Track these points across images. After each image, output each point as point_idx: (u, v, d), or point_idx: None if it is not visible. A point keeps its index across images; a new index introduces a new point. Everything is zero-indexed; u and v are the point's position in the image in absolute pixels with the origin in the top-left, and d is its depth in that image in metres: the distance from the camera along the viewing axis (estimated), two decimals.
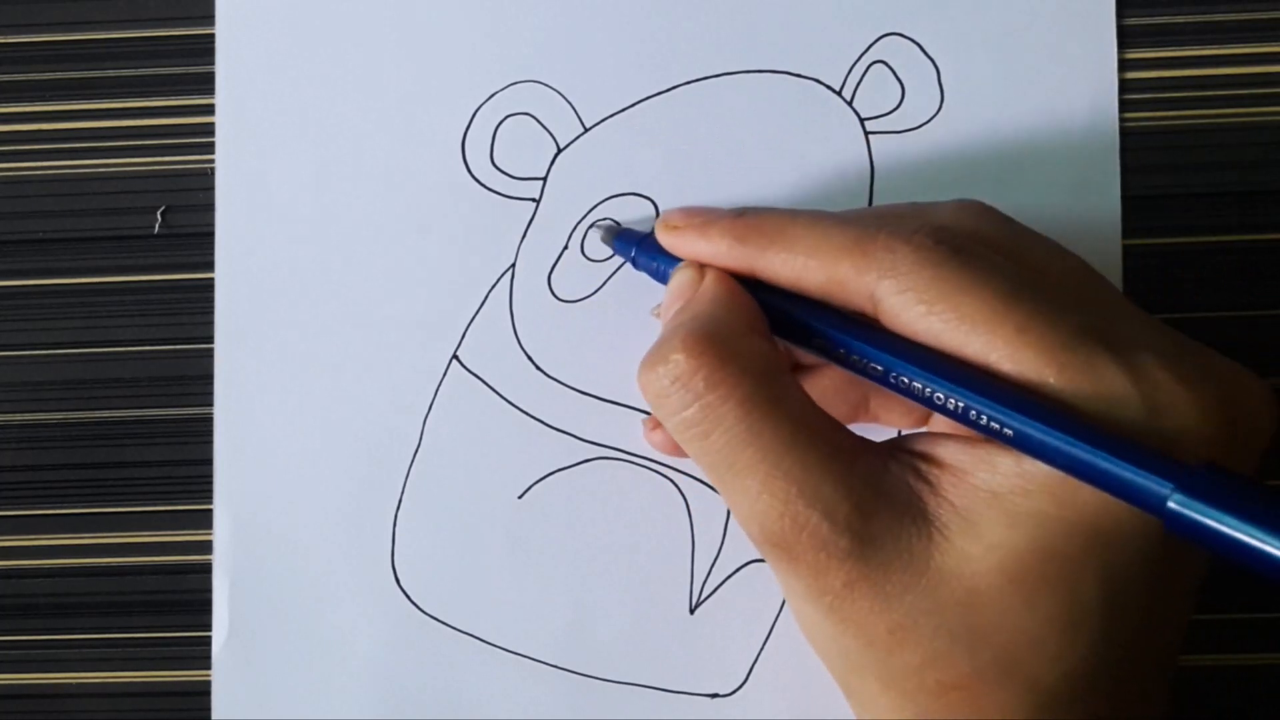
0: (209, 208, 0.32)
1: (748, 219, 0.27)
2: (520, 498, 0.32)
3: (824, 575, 0.24)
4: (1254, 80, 0.32)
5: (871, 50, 0.32)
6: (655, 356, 0.26)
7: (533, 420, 0.32)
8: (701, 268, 0.28)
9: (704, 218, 0.28)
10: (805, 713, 0.31)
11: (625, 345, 0.31)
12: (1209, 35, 0.32)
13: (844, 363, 0.26)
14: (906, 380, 0.24)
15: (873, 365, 0.25)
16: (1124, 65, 0.32)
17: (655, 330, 0.31)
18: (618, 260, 0.31)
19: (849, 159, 0.32)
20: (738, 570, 0.31)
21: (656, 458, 0.31)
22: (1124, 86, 0.32)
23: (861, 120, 0.32)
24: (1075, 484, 0.23)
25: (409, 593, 0.32)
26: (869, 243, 0.25)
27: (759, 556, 0.31)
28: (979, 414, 0.23)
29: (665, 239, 0.29)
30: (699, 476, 0.31)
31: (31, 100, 0.33)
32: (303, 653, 0.32)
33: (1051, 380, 0.23)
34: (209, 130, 0.32)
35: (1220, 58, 0.32)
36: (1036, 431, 0.23)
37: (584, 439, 0.32)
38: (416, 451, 0.32)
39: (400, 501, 0.32)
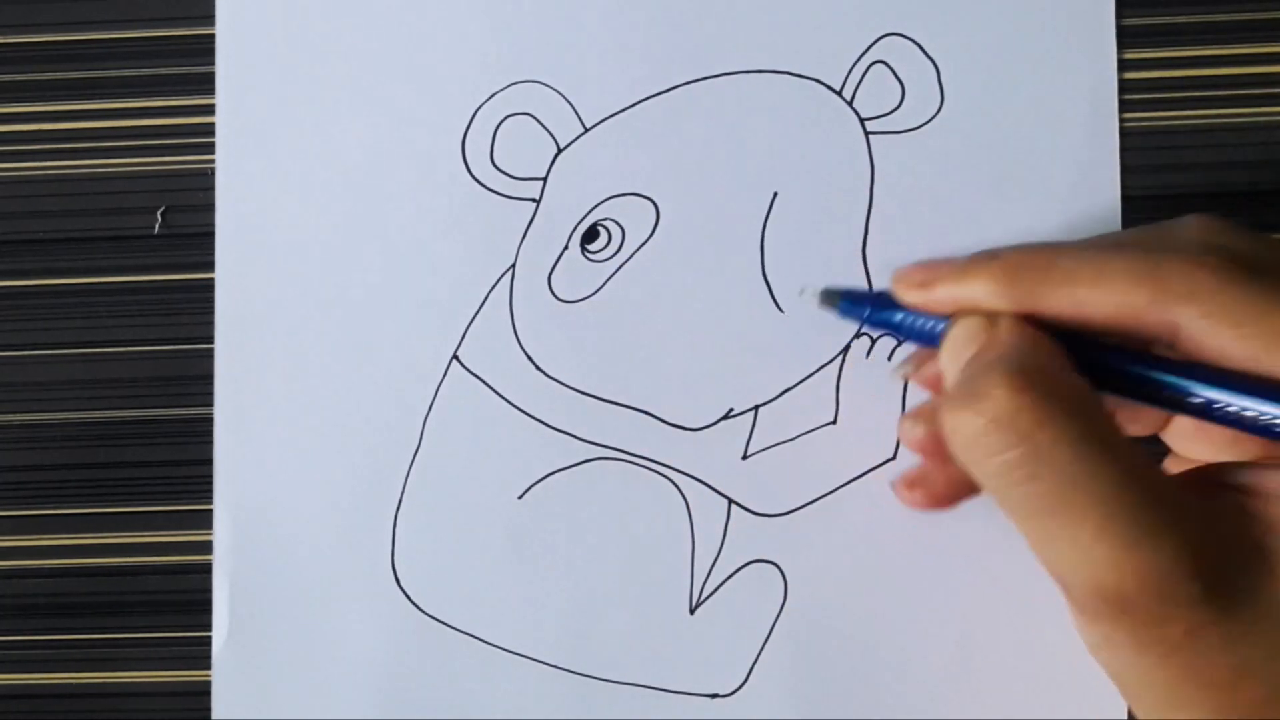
0: (209, 208, 0.32)
1: (1006, 259, 0.25)
2: (520, 498, 0.32)
3: (1164, 625, 0.23)
4: (1254, 80, 0.32)
5: (871, 50, 0.32)
6: (967, 395, 0.23)
7: (533, 420, 0.32)
8: (988, 314, 0.26)
9: (952, 266, 0.26)
10: (805, 713, 0.31)
11: (625, 345, 0.31)
12: (1209, 35, 0.32)
13: (1155, 400, 0.24)
14: (1236, 410, 0.23)
15: (1191, 399, 0.23)
16: (1124, 65, 0.32)
17: (656, 330, 0.31)
18: (618, 261, 0.31)
19: (849, 159, 0.32)
20: (738, 570, 0.31)
21: (656, 458, 0.31)
22: (1124, 86, 0.32)
23: (861, 120, 0.32)
24: None
25: (409, 593, 0.32)
26: (1160, 268, 0.24)
27: (759, 556, 0.31)
28: None
29: (913, 296, 0.27)
30: (699, 476, 0.31)
31: (31, 100, 0.33)
32: (303, 653, 0.32)
33: None
34: (209, 130, 0.32)
35: (1220, 58, 0.32)
36: None
37: (584, 439, 0.32)
38: (416, 451, 0.32)
39: (400, 501, 0.32)
